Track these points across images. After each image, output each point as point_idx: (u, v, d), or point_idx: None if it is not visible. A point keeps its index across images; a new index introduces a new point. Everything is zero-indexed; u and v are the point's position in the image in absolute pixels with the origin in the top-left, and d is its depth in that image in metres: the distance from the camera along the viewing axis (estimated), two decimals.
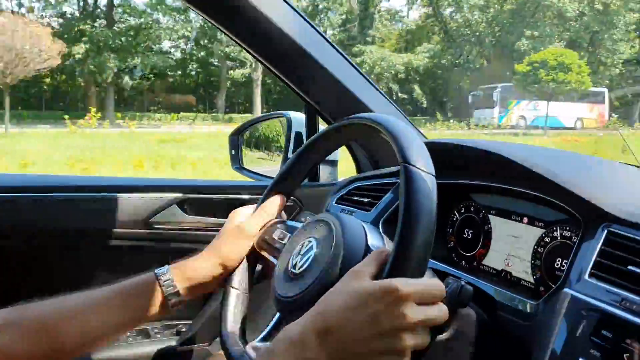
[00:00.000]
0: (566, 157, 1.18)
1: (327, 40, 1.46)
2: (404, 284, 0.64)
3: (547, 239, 1.00)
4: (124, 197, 1.48)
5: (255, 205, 1.04)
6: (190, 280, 0.95)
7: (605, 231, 0.83)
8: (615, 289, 0.76)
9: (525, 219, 1.05)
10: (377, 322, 0.63)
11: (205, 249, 0.99)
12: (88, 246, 1.47)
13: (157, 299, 0.93)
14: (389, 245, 0.79)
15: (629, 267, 0.76)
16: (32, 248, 1.43)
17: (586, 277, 0.80)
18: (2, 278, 1.33)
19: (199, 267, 0.96)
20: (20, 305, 0.88)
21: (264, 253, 0.99)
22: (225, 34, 1.41)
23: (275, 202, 1.02)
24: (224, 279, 0.99)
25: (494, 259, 1.10)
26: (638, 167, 1.17)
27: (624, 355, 0.70)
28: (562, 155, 1.18)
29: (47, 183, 1.50)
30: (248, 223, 0.99)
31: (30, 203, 1.42)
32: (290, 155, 1.63)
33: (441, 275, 0.79)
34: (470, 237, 1.16)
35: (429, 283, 0.68)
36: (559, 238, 0.98)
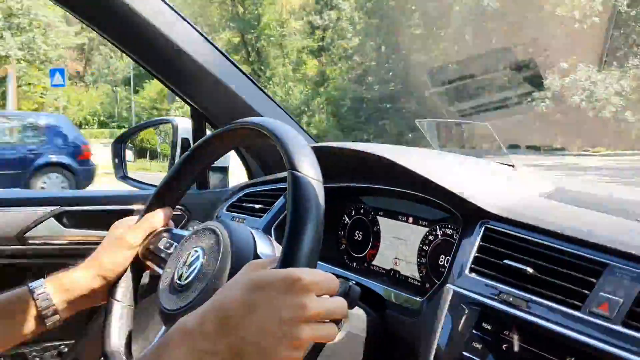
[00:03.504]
0: (444, 158, 1.23)
1: (212, 44, 1.43)
2: (306, 274, 0.64)
3: (430, 237, 1.04)
4: None
5: (139, 215, 0.99)
6: (68, 293, 0.88)
7: (483, 228, 0.87)
8: (493, 283, 0.80)
9: (411, 219, 1.09)
10: (277, 311, 0.62)
11: (85, 260, 0.93)
12: None
13: (31, 314, 0.85)
14: (279, 253, 0.78)
15: (505, 261, 0.81)
16: None
17: (467, 272, 0.84)
18: None
19: (76, 279, 0.90)
20: None
21: (149, 263, 0.94)
22: (104, 37, 1.34)
23: (159, 211, 0.97)
24: (106, 291, 0.93)
25: (383, 259, 1.13)
26: (512, 166, 1.25)
27: (503, 346, 0.74)
28: (442, 157, 1.24)
29: None
30: (130, 233, 0.94)
31: None
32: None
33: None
34: (360, 238, 1.18)
35: (326, 275, 0.67)
36: (441, 236, 1.02)
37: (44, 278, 0.89)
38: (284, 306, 0.62)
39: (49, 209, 1.42)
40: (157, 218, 0.96)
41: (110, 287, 0.93)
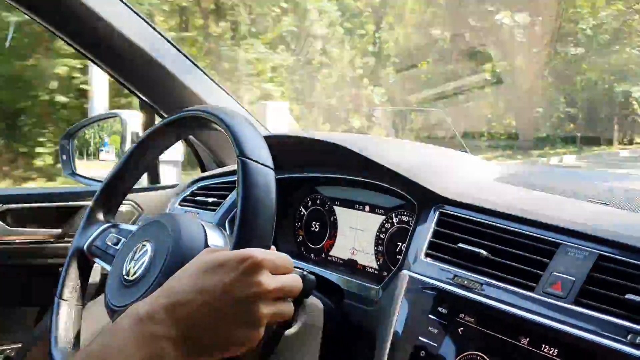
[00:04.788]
0: (400, 145, 1.23)
1: (161, 34, 1.39)
2: (258, 252, 0.63)
3: (387, 225, 1.03)
4: None
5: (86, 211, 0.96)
6: None
7: (437, 212, 0.87)
8: (448, 267, 0.80)
9: (367, 208, 1.08)
10: (229, 291, 0.61)
11: None
12: None
13: None
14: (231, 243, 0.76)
15: (459, 244, 0.81)
16: None
17: (422, 257, 0.84)
18: None
19: None
20: None
21: (96, 260, 0.91)
22: (47, 28, 1.28)
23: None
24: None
25: (340, 249, 1.12)
26: (466, 151, 1.26)
27: (459, 329, 0.74)
28: (395, 143, 1.23)
29: None
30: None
31: None
32: None
33: None
34: (317, 229, 1.17)
35: (279, 254, 0.67)
36: (397, 223, 1.01)
37: None
38: (237, 285, 0.61)
39: None
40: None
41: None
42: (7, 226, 1.37)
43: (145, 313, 0.61)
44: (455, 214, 0.85)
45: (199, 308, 0.61)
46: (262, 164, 0.69)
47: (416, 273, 0.82)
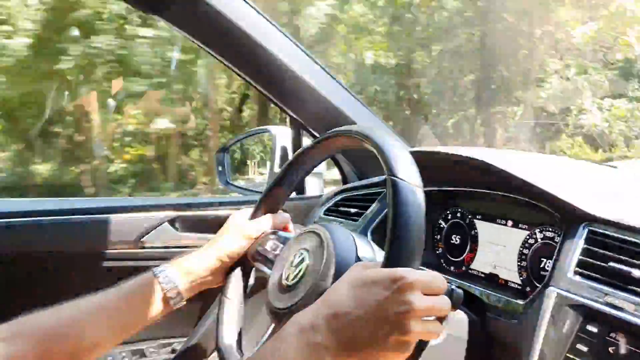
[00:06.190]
0: (546, 161, 1.21)
1: (308, 54, 1.49)
2: (410, 273, 0.66)
3: (531, 241, 1.03)
4: (114, 218, 1.48)
5: (252, 211, 1.06)
6: (189, 274, 0.97)
7: (587, 230, 0.86)
8: (598, 285, 0.79)
9: (510, 222, 1.08)
10: (383, 308, 0.65)
11: (205, 245, 1.01)
12: (81, 268, 1.47)
13: (157, 296, 0.94)
14: (379, 256, 0.81)
15: (610, 264, 0.79)
16: (27, 272, 1.44)
17: (570, 275, 0.83)
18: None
19: (196, 262, 0.98)
20: (19, 318, 0.89)
21: (258, 264, 1.00)
22: (203, 49, 1.43)
23: (270, 216, 1.04)
24: (221, 275, 1.00)
25: (481, 263, 1.13)
26: (614, 167, 1.21)
27: (609, 348, 0.73)
28: (541, 159, 1.22)
29: (41, 207, 1.50)
30: (248, 224, 1.02)
31: (25, 228, 1.43)
32: (276, 169, 1.66)
33: None
34: (457, 242, 1.19)
35: (433, 274, 0.70)
36: (541, 239, 1.01)
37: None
38: (390, 303, 0.65)
39: (162, 214, 1.54)
40: (269, 219, 1.03)
41: (225, 272, 1.01)
42: (176, 231, 1.56)
43: (308, 322, 0.68)
44: (606, 232, 0.84)
45: (356, 320, 0.66)
46: (412, 184, 0.72)
47: (564, 290, 0.82)
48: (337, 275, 0.76)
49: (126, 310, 0.93)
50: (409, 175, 0.73)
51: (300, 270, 0.84)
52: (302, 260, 0.85)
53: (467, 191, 1.16)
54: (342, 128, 0.90)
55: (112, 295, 0.94)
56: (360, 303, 0.66)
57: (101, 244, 1.47)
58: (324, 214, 1.46)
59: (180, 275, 0.96)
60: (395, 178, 0.72)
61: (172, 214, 1.55)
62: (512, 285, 1.05)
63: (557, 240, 0.93)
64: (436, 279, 0.69)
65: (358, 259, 0.80)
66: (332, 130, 0.92)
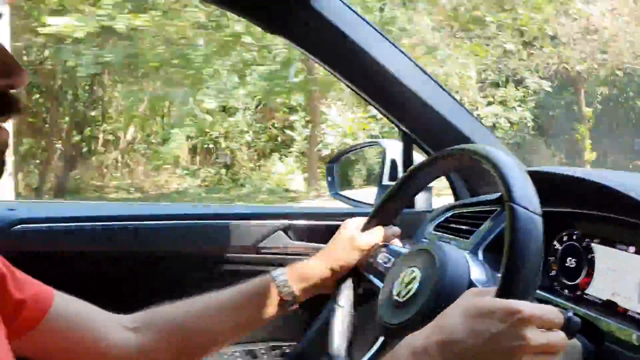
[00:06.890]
0: None
1: (421, 68, 1.51)
2: (527, 306, 0.66)
3: None
4: (235, 224, 1.59)
5: (364, 219, 1.10)
6: (303, 280, 1.03)
7: None
8: None
9: (632, 248, 1.04)
10: (497, 340, 0.65)
11: (318, 253, 1.07)
12: (204, 269, 1.60)
13: (274, 299, 1.01)
14: (492, 279, 0.81)
15: None
16: (155, 270, 1.59)
17: None
18: (130, 298, 1.48)
19: (311, 269, 1.04)
20: (152, 309, 0.99)
21: (368, 275, 1.04)
22: (317, 62, 1.50)
23: (381, 228, 1.08)
24: (332, 283, 1.05)
25: (598, 289, 1.09)
26: None
27: None
28: None
29: (169, 212, 1.65)
30: (360, 236, 1.06)
31: (154, 230, 1.57)
32: (385, 182, 1.68)
33: (544, 304, 0.80)
34: (572, 265, 1.16)
35: (550, 309, 0.69)
36: None
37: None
38: (505, 335, 0.65)
39: (278, 222, 1.63)
40: (382, 231, 1.07)
41: (335, 281, 1.05)
42: (289, 239, 1.64)
43: (420, 346, 0.69)
44: None
45: (468, 349, 0.66)
46: (532, 211, 0.71)
47: None
48: (448, 298, 0.76)
49: (246, 309, 1.01)
50: (529, 203, 0.72)
51: (410, 289, 0.85)
52: (413, 279, 0.86)
53: (585, 213, 1.13)
54: (464, 146, 0.90)
55: (234, 293, 1.01)
56: (474, 333, 0.66)
57: (223, 248, 1.58)
58: (434, 230, 1.47)
59: (295, 280, 1.02)
60: (515, 205, 0.72)
61: (285, 222, 1.63)
62: (632, 314, 1.01)
63: None
64: (553, 313, 0.68)
65: (471, 283, 0.80)
66: (451, 148, 0.92)
